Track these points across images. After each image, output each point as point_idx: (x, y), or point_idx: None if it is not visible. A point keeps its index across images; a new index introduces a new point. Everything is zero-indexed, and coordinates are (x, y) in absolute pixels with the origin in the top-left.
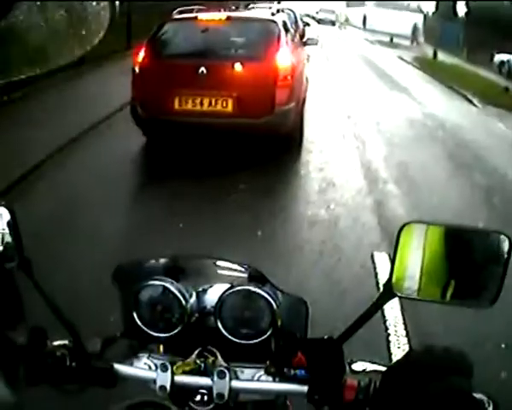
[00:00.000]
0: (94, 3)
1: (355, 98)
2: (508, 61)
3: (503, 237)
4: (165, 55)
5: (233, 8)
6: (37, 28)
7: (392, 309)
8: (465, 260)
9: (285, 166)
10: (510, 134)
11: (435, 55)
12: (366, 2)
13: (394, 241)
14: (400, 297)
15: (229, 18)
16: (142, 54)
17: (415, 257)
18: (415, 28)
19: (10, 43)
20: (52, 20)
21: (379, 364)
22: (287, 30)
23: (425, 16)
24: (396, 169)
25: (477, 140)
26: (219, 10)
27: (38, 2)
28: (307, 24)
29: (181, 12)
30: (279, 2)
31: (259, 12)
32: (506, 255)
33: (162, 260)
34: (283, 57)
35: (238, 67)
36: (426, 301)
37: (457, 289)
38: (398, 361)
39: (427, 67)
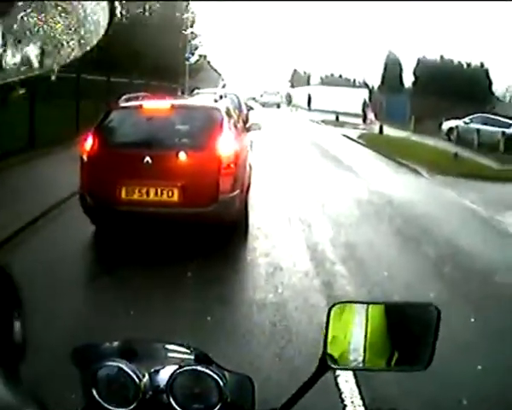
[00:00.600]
0: (93, 4)
1: (300, 181)
2: (456, 126)
3: (432, 307)
4: (111, 144)
5: (179, 93)
6: (36, 28)
7: (348, 382)
8: (402, 330)
9: (232, 254)
10: (461, 201)
11: (381, 130)
12: (311, 81)
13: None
14: (335, 369)
15: (173, 106)
16: (89, 142)
17: (345, 332)
18: (364, 104)
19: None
20: (51, 20)
21: None
22: (230, 116)
23: (370, 91)
24: (343, 249)
25: (426, 212)
26: (164, 98)
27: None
28: (251, 108)
29: (127, 99)
30: (223, 87)
31: (203, 99)
32: (435, 324)
33: (117, 343)
34: (226, 145)
35: (182, 156)
36: (362, 371)
37: (396, 356)
38: None
39: (374, 143)
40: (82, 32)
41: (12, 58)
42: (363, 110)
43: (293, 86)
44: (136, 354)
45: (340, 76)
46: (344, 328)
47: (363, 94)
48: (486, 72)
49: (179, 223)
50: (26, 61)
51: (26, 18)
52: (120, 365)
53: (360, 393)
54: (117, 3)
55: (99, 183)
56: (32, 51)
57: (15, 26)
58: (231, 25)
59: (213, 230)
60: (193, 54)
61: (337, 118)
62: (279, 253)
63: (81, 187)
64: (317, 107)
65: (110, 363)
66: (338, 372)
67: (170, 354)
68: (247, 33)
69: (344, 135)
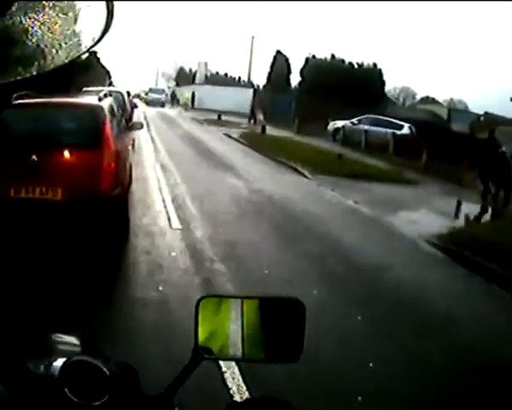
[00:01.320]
0: (92, 3)
1: (178, 181)
2: (343, 127)
3: (297, 302)
4: (1, 144)
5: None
6: (34, 29)
7: (234, 379)
8: (275, 323)
9: (113, 252)
10: (342, 200)
11: (263, 129)
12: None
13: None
14: (208, 359)
15: (57, 105)
16: None
17: (223, 325)
18: (253, 104)
19: (7, 43)
20: (49, 21)
21: None
22: (113, 115)
23: (255, 90)
24: (222, 248)
25: (307, 211)
26: (51, 97)
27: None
28: (135, 106)
29: (17, 97)
30: (110, 85)
31: (88, 97)
32: (302, 318)
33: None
34: (108, 144)
35: (66, 154)
36: (245, 361)
37: (271, 348)
38: None
39: (255, 142)
40: (80, 33)
41: (11, 58)
42: (252, 110)
43: (178, 84)
44: (30, 344)
45: (226, 74)
46: (221, 321)
47: (249, 93)
48: (380, 72)
49: (63, 220)
50: (24, 61)
51: (24, 18)
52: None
53: (248, 388)
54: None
55: None
56: (31, 52)
57: (14, 26)
58: (122, 21)
59: (95, 226)
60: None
61: (219, 117)
62: (159, 251)
63: None
64: (203, 106)
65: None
66: (224, 369)
67: (60, 345)
68: (137, 29)
69: (225, 134)
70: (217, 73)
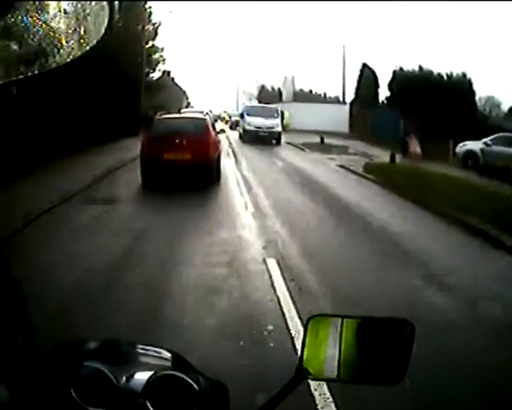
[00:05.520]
0: (93, 3)
1: (278, 219)
2: (481, 150)
3: (407, 323)
4: (156, 133)
5: (184, 110)
6: (36, 28)
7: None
8: (376, 345)
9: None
10: None
11: (393, 158)
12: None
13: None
14: (312, 379)
15: (184, 117)
16: (145, 133)
17: (327, 345)
18: (405, 132)
19: (9, 41)
20: (51, 20)
21: None
22: (212, 123)
23: (351, 106)
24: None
25: None
26: (178, 112)
27: (37, 2)
28: (216, 120)
29: (161, 115)
30: (188, 106)
31: (197, 113)
32: (409, 339)
33: (97, 343)
34: (211, 135)
35: (192, 139)
36: (339, 382)
37: (370, 369)
38: None
39: (392, 179)
40: (82, 32)
41: (12, 57)
42: (404, 139)
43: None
44: (114, 355)
45: (311, 91)
46: (320, 340)
47: (344, 110)
48: (469, 82)
49: (190, 169)
50: (26, 60)
51: (26, 18)
52: (99, 366)
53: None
54: (116, 3)
55: (152, 151)
56: (33, 51)
57: (16, 25)
58: (199, 38)
59: (205, 172)
60: (154, 70)
61: (322, 140)
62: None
63: (141, 153)
64: (293, 126)
65: (89, 364)
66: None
67: (148, 358)
68: (215, 47)
69: (340, 165)
70: (301, 89)
